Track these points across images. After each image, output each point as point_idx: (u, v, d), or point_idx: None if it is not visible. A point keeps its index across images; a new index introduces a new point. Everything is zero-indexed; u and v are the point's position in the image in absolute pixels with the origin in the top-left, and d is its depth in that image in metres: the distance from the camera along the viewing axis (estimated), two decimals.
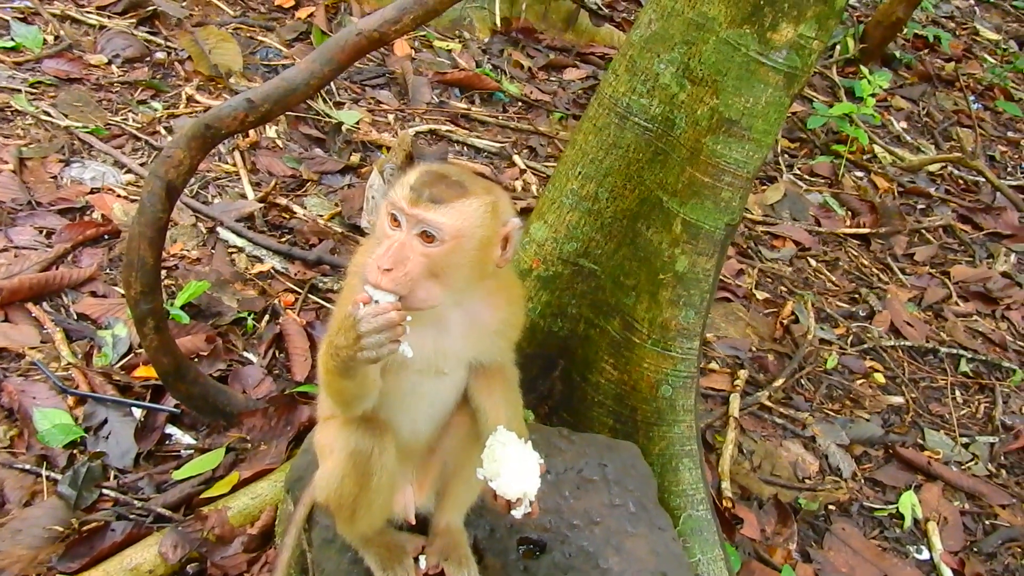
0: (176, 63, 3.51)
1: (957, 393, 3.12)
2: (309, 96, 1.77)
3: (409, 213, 1.33)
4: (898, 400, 2.98)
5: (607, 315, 2.09)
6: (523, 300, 1.60)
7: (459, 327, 1.46)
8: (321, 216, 3.04)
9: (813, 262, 3.61)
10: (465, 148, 3.61)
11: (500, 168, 3.56)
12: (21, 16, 3.42)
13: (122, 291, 2.51)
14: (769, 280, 3.42)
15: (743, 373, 2.87)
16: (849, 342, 3.21)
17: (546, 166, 3.62)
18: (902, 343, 3.24)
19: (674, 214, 1.92)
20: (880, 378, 3.08)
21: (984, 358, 3.27)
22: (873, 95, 4.30)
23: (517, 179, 3.52)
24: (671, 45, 1.86)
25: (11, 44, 3.28)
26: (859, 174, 4.30)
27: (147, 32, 3.60)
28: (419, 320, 1.35)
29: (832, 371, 3.06)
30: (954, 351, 3.26)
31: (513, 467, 1.41)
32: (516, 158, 3.61)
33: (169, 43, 3.58)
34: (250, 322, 2.57)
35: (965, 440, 2.90)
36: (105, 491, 2.05)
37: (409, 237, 1.33)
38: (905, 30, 5.56)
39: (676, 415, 2.03)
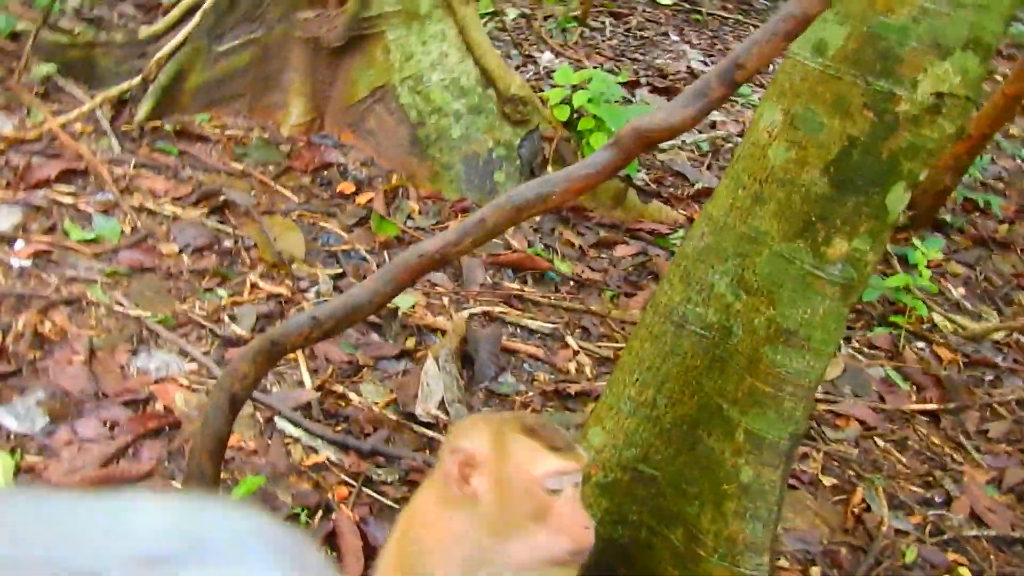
0: (242, 250, 3.67)
1: None
2: (372, 313, 1.81)
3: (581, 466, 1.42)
4: None
5: (669, 524, 2.02)
6: None
7: None
8: (376, 403, 3.05)
9: (880, 442, 3.48)
10: (518, 329, 3.64)
11: (553, 349, 3.57)
12: (103, 209, 3.64)
13: (178, 485, 2.53)
14: (835, 463, 3.30)
15: (815, 570, 2.72)
16: (927, 532, 3.04)
17: (599, 346, 3.63)
18: (985, 532, 3.06)
19: (735, 423, 1.89)
20: (966, 573, 2.89)
21: None
22: (927, 264, 4.28)
23: (571, 360, 3.52)
24: (724, 257, 1.88)
25: (92, 236, 3.47)
26: (920, 345, 4.21)
27: (217, 221, 3.78)
28: None
29: (912, 565, 2.88)
30: None
31: None
32: (569, 339, 3.62)
33: (237, 231, 3.75)
34: (303, 519, 2.55)
35: None
36: None
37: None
38: (954, 194, 5.58)
39: None
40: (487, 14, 6.23)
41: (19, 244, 3.35)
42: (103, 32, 4.71)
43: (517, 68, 5.76)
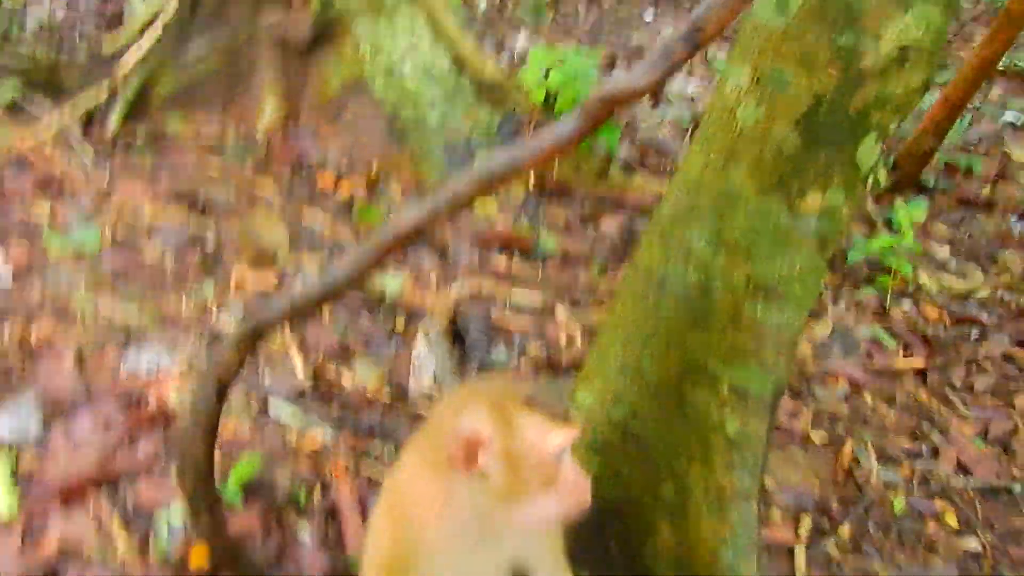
0: (225, 247, 3.67)
1: None
2: (348, 290, 1.83)
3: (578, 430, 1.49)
4: (974, 545, 2.83)
5: (660, 479, 2.05)
6: None
7: None
8: (369, 384, 3.07)
9: (869, 399, 3.52)
10: (508, 305, 3.66)
11: (543, 322, 3.60)
12: (82, 218, 3.64)
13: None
14: (825, 420, 3.34)
15: (807, 522, 2.77)
16: (915, 483, 3.08)
17: (588, 317, 3.65)
18: (971, 482, 3.11)
19: (720, 377, 1.92)
20: (953, 521, 2.94)
21: None
22: (911, 225, 4.31)
23: (561, 332, 3.54)
24: (701, 215, 1.91)
25: (73, 245, 3.47)
26: (907, 304, 4.25)
27: (197, 220, 3.78)
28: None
29: (901, 515, 2.92)
30: None
31: None
32: (559, 311, 3.64)
33: (219, 228, 3.75)
34: (303, 497, 2.57)
35: None
36: None
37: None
38: (936, 157, 5.60)
39: None
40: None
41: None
42: (64, 53, 4.70)
43: (492, 54, 5.76)
